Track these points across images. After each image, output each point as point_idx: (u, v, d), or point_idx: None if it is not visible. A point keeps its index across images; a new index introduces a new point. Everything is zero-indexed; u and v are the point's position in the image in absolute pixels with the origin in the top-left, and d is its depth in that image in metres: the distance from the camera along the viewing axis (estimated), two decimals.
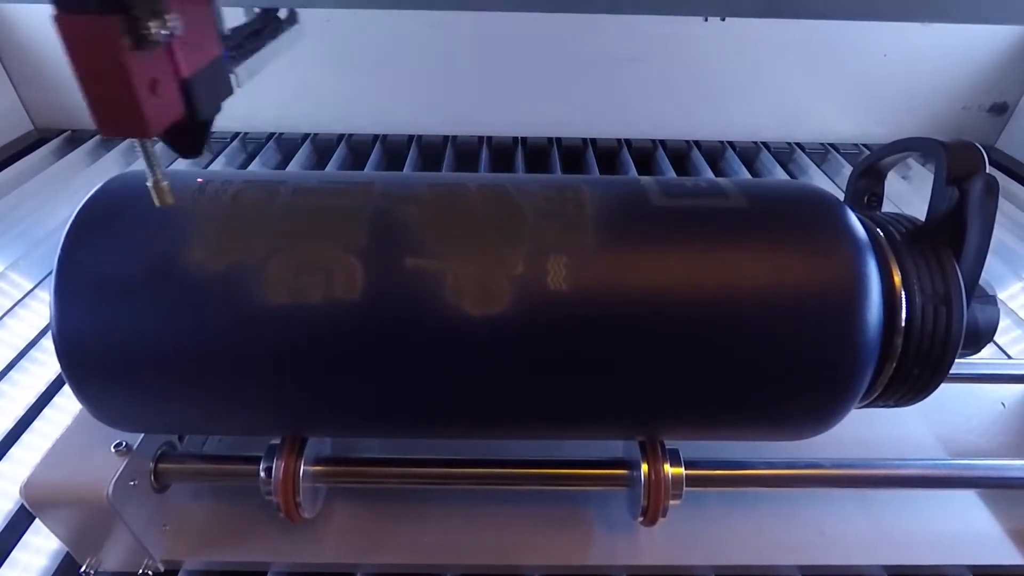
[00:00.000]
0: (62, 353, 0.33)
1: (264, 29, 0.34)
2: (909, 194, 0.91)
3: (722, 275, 0.33)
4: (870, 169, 0.43)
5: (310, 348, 0.33)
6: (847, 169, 1.00)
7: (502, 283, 0.32)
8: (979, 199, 0.33)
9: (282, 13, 0.35)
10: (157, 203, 0.29)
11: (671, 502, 0.39)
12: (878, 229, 0.37)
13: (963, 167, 0.34)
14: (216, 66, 0.28)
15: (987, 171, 0.34)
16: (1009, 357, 0.64)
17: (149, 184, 0.28)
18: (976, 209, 0.34)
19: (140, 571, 0.42)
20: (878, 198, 0.44)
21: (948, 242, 0.35)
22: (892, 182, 0.45)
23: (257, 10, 0.36)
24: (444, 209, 0.35)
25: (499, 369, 0.34)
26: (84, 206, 0.35)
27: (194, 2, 0.26)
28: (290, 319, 0.32)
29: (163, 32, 0.23)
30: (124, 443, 0.38)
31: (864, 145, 1.07)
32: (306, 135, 1.05)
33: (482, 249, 0.33)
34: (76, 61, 0.23)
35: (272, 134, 1.05)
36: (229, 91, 0.30)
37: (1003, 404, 0.55)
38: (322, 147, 1.05)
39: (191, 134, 0.28)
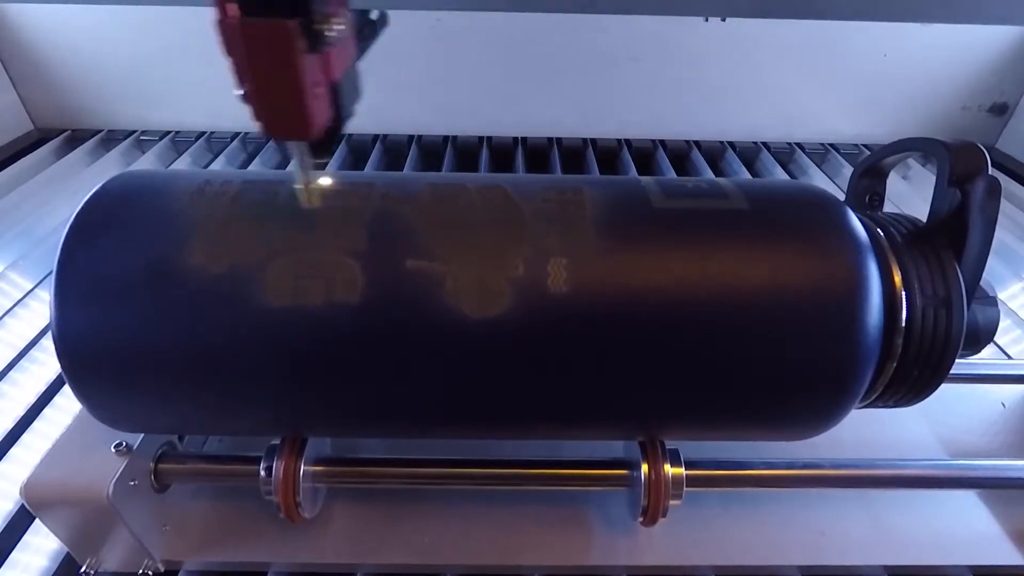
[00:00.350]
0: (62, 353, 0.33)
1: (362, 31, 0.35)
2: (909, 194, 0.91)
3: (722, 276, 0.33)
4: (871, 169, 0.43)
5: (310, 350, 0.33)
6: (847, 169, 1.00)
7: (502, 286, 0.32)
8: (981, 201, 0.33)
9: (373, 14, 0.36)
10: (305, 203, 0.30)
11: (671, 502, 0.39)
12: (879, 229, 0.37)
13: (965, 168, 0.34)
14: (353, 69, 0.30)
15: (989, 172, 0.34)
16: (1009, 357, 0.64)
17: (299, 186, 0.29)
18: (978, 211, 0.34)
19: (140, 571, 0.42)
20: (880, 197, 0.44)
21: (949, 243, 0.35)
22: (892, 182, 0.45)
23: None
24: (444, 211, 0.35)
25: (499, 371, 0.34)
26: (84, 206, 0.35)
27: (342, 7, 0.27)
28: (290, 321, 0.32)
29: (334, 35, 0.24)
30: (124, 443, 0.38)
31: (864, 145, 1.07)
32: None
33: (482, 252, 0.33)
34: (254, 64, 0.24)
35: None
36: (360, 94, 0.31)
37: (1003, 404, 0.55)
38: None
39: (327, 136, 0.29)
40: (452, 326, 0.32)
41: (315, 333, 0.33)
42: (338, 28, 0.25)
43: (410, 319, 0.33)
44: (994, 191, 0.33)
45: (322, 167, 0.31)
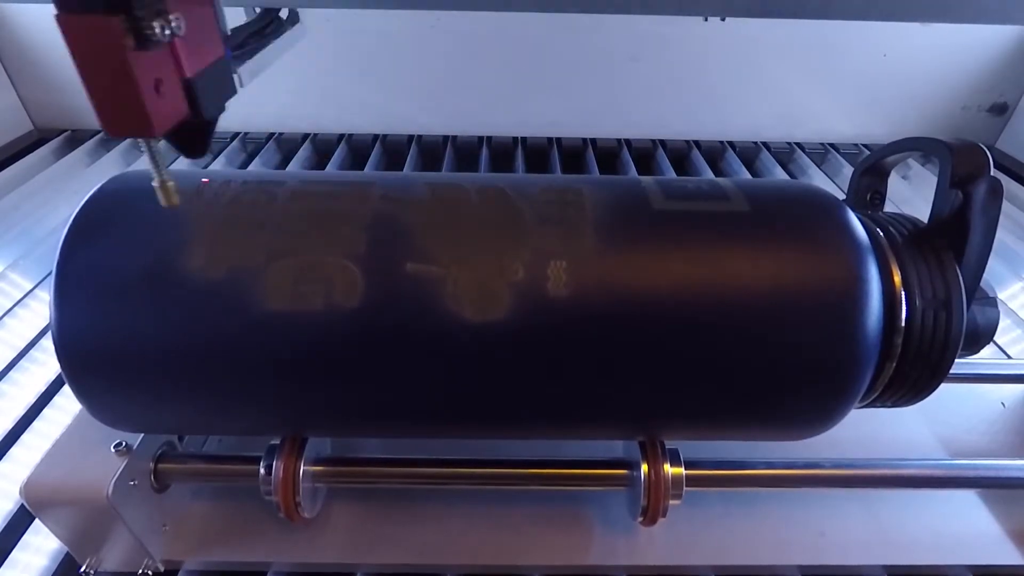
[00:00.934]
0: (62, 353, 0.33)
1: (266, 29, 0.34)
2: (909, 194, 0.91)
3: (722, 277, 0.33)
4: (873, 167, 0.43)
5: (310, 354, 0.33)
6: (847, 169, 1.00)
7: (502, 289, 0.32)
8: (983, 202, 0.33)
9: (283, 13, 0.35)
10: (163, 203, 0.29)
11: (671, 502, 0.39)
12: (878, 229, 0.37)
13: (968, 169, 0.34)
14: (219, 66, 0.28)
15: (992, 174, 0.34)
16: (1009, 357, 0.64)
17: (155, 184, 0.28)
18: (979, 212, 0.33)
19: (140, 571, 0.42)
20: (881, 196, 0.44)
21: (950, 244, 0.35)
22: (892, 182, 0.45)
23: (258, 10, 0.36)
24: (444, 214, 0.35)
25: (500, 374, 0.34)
26: (84, 206, 0.35)
27: (196, 2, 0.26)
28: (290, 325, 0.32)
29: (166, 32, 0.23)
30: (124, 443, 0.38)
31: (864, 145, 1.07)
32: (306, 135, 1.05)
33: (482, 255, 0.33)
34: (79, 61, 0.23)
35: (272, 134, 1.05)
36: (232, 91, 0.30)
37: (1003, 404, 0.55)
38: (322, 147, 1.05)
39: (195, 134, 0.28)
40: (452, 330, 0.32)
41: (315, 337, 0.33)
42: (174, 25, 0.24)
43: (410, 323, 0.33)
44: (996, 193, 0.33)
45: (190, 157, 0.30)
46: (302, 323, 0.32)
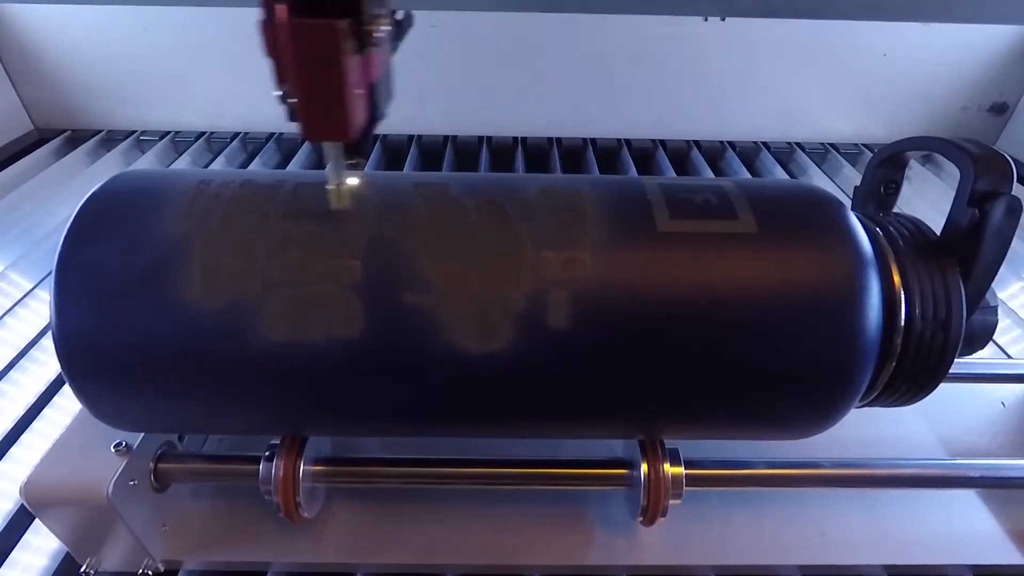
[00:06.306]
0: (62, 353, 0.33)
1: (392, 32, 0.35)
2: (909, 194, 0.91)
3: (726, 292, 0.33)
4: (890, 159, 0.42)
5: (311, 381, 0.34)
6: (847, 169, 1.00)
7: (503, 320, 0.32)
8: (998, 223, 0.32)
9: (399, 14, 0.35)
10: (335, 205, 0.30)
11: (671, 502, 0.39)
12: (879, 230, 0.37)
13: (988, 186, 0.33)
14: (388, 71, 0.29)
15: (1012, 192, 0.32)
16: (1009, 357, 0.64)
17: (331, 187, 0.29)
18: (994, 234, 0.33)
19: (140, 571, 0.42)
20: (896, 186, 0.42)
21: (959, 259, 0.34)
22: None
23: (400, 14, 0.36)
24: (442, 239, 0.34)
25: (502, 399, 0.35)
26: (84, 206, 0.35)
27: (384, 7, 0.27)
28: (291, 354, 0.32)
29: (381, 36, 0.24)
30: (124, 443, 0.38)
31: (864, 145, 1.07)
32: None
33: (482, 285, 0.33)
34: (300, 65, 0.24)
35: (272, 134, 1.05)
36: (391, 95, 0.31)
37: (1003, 404, 0.55)
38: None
39: (362, 137, 0.28)
40: (453, 360, 0.33)
41: (315, 367, 0.33)
42: (384, 29, 0.24)
43: (411, 354, 0.33)
44: (1014, 213, 0.32)
45: (357, 167, 0.31)
46: (302, 353, 0.32)
